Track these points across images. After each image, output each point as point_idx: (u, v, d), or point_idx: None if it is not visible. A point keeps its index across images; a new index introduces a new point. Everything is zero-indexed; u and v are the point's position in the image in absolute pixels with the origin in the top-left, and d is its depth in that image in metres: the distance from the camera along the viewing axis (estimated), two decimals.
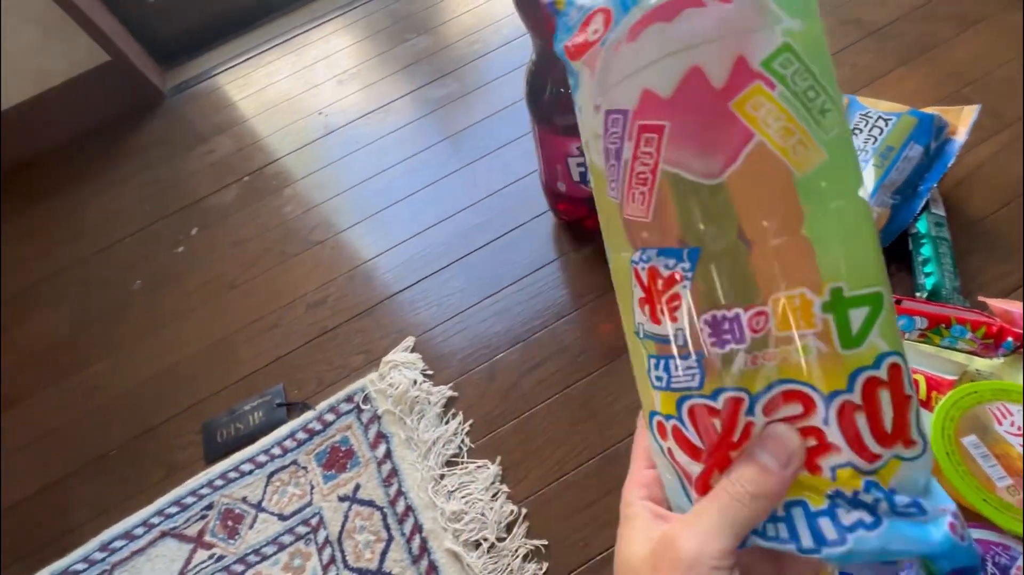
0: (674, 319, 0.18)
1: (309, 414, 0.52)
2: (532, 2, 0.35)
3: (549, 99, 0.43)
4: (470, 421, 0.50)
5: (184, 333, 0.63)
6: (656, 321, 0.19)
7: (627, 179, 0.18)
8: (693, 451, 0.18)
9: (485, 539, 0.43)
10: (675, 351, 0.18)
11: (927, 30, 0.67)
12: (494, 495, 0.45)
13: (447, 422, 0.49)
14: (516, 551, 0.42)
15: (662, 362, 0.19)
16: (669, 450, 0.19)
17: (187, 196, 0.78)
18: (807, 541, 0.17)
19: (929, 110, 0.51)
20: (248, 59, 0.98)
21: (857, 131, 0.51)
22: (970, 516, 0.33)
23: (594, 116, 0.19)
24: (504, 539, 0.43)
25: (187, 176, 0.81)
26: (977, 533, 0.33)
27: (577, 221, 0.58)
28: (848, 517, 0.17)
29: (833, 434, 0.17)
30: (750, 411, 0.17)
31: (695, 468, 0.18)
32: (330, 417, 0.51)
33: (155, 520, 0.49)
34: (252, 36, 1.02)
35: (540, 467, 0.47)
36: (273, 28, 1.02)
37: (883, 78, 0.64)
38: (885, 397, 0.17)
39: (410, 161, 0.72)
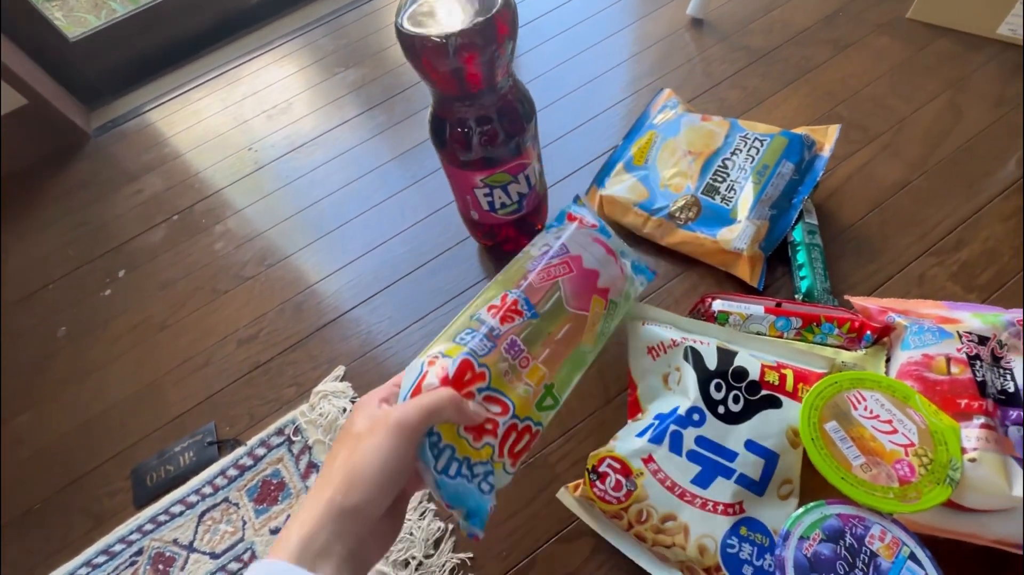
0: (502, 322, 0.37)
1: (240, 450, 0.53)
2: (416, 55, 0.38)
3: (451, 139, 0.46)
4: None
5: (112, 379, 0.63)
6: (492, 317, 0.37)
7: (544, 271, 0.40)
8: (444, 379, 0.33)
9: (413, 558, 0.45)
10: (486, 332, 0.36)
11: (806, 54, 0.74)
12: (421, 514, 0.47)
13: None
14: (443, 566, 0.44)
15: (474, 333, 0.36)
16: (425, 374, 0.33)
17: (114, 238, 0.77)
18: (432, 468, 0.30)
19: (799, 130, 0.58)
20: (176, 96, 0.98)
21: (738, 152, 0.56)
22: (832, 493, 0.38)
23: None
24: (432, 555, 0.45)
25: (114, 217, 0.80)
26: (838, 508, 0.37)
27: (496, 245, 0.61)
28: (453, 469, 0.31)
29: (500, 431, 0.34)
30: (482, 390, 0.34)
31: (435, 385, 0.33)
32: (261, 451, 0.52)
33: (82, 572, 0.49)
34: (180, 73, 1.03)
35: None
36: (201, 64, 1.03)
37: (770, 99, 0.71)
38: (525, 438, 0.35)
39: (339, 193, 0.74)
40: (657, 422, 0.41)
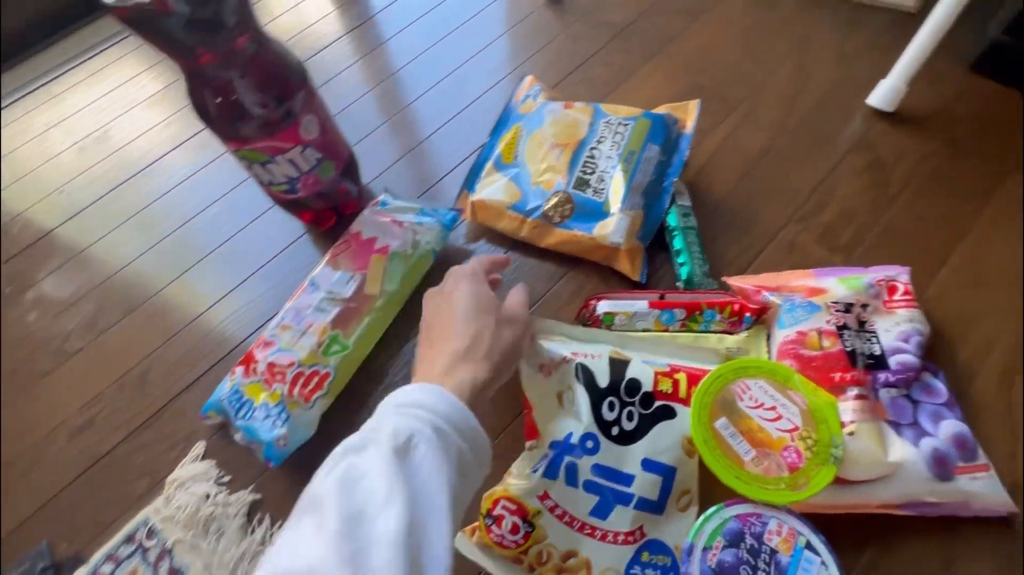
0: (291, 301, 0.50)
1: (81, 571, 0.44)
2: (147, 26, 0.31)
3: (216, 111, 0.40)
4: (279, 522, 0.45)
5: None
6: (289, 301, 0.50)
7: (330, 256, 0.52)
8: (251, 349, 0.49)
9: None
10: (284, 312, 0.50)
11: (662, 25, 0.73)
12: None
13: (253, 531, 0.44)
14: None
15: (284, 316, 0.49)
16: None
17: None
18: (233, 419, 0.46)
19: (660, 109, 0.56)
20: None
21: (603, 139, 0.54)
22: (728, 494, 0.37)
23: None
24: None
25: None
26: (736, 509, 0.36)
27: (312, 225, 0.57)
28: (248, 415, 0.45)
29: (288, 378, 0.45)
30: (274, 352, 0.47)
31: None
32: (107, 568, 0.44)
33: None
34: None
35: None
36: None
37: (636, 75, 0.69)
38: (313, 380, 0.46)
39: (184, 228, 0.64)
40: (552, 452, 0.38)
